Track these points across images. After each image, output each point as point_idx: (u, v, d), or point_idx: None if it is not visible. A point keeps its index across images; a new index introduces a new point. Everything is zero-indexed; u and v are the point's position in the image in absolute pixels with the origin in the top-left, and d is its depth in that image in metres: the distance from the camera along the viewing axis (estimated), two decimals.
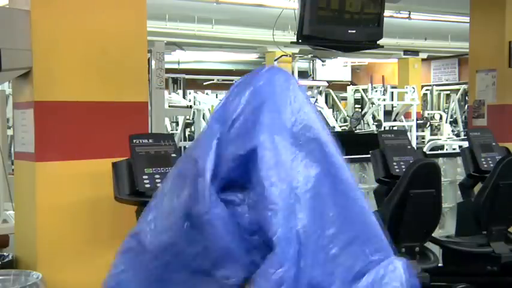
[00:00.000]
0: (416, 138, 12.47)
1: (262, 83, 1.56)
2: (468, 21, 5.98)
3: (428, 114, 14.37)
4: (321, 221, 1.50)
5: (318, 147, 1.54)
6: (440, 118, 13.75)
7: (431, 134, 13.15)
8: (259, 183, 1.44)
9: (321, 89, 13.34)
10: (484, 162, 4.21)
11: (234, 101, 1.53)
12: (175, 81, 12.74)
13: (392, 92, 13.17)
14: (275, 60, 12.85)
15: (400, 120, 12.64)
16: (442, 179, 3.74)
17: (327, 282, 1.50)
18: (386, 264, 1.60)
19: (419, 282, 1.63)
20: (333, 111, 14.55)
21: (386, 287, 1.53)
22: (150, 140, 3.04)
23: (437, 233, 4.01)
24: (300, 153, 1.51)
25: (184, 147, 10.10)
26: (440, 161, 4.87)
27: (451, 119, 14.18)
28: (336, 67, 16.24)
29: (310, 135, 1.53)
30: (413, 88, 12.92)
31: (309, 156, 1.52)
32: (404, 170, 3.50)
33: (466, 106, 11.22)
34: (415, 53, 15.12)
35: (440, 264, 3.84)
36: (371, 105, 12.64)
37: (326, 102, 14.29)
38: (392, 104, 13.13)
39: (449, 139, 11.02)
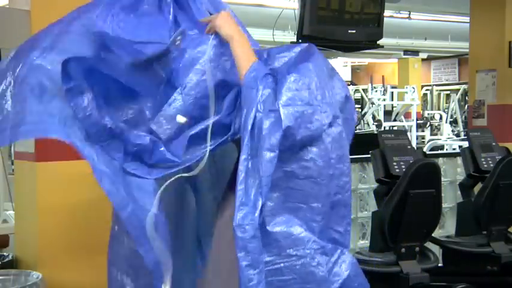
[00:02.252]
0: (416, 138, 12.46)
1: None
2: (468, 21, 5.98)
3: (428, 114, 14.37)
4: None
5: None
6: (440, 118, 13.75)
7: (431, 134, 13.15)
8: None
9: None
10: (484, 162, 4.21)
11: None
12: None
13: (392, 92, 13.16)
14: None
15: (400, 120, 12.62)
16: (442, 179, 3.74)
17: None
18: (340, 254, 1.86)
19: (367, 283, 1.92)
20: None
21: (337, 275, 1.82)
22: None
23: (437, 233, 4.01)
24: None
25: None
26: (440, 161, 4.86)
27: (451, 119, 14.17)
28: (336, 67, 16.18)
29: None
30: (413, 88, 12.91)
31: None
32: (404, 170, 3.49)
33: (466, 106, 11.22)
34: (415, 53, 15.12)
35: (440, 264, 3.84)
36: (371, 105, 12.63)
37: None
38: (392, 104, 13.12)
39: (449, 139, 11.02)
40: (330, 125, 1.82)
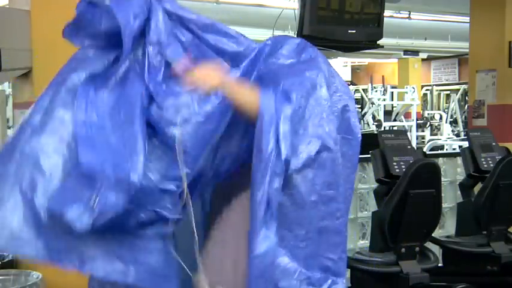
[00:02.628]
0: (416, 138, 12.46)
1: None
2: (468, 21, 5.98)
3: (428, 114, 14.37)
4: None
5: None
6: (440, 118, 13.75)
7: (431, 134, 13.15)
8: None
9: None
10: (484, 162, 4.21)
11: None
12: None
13: (392, 92, 13.17)
14: None
15: (400, 120, 12.63)
16: (442, 179, 3.74)
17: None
18: (331, 284, 1.85)
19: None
20: None
21: None
22: None
23: (437, 233, 4.01)
24: None
25: None
26: (440, 161, 4.87)
27: (451, 119, 14.17)
28: (336, 67, 16.20)
29: None
30: (413, 88, 12.91)
31: None
32: (404, 170, 3.49)
33: (466, 106, 11.22)
34: (415, 53, 15.11)
35: (440, 264, 3.84)
36: (371, 105, 12.63)
37: None
38: (392, 104, 13.13)
39: (449, 139, 11.02)
40: (318, 152, 1.82)
